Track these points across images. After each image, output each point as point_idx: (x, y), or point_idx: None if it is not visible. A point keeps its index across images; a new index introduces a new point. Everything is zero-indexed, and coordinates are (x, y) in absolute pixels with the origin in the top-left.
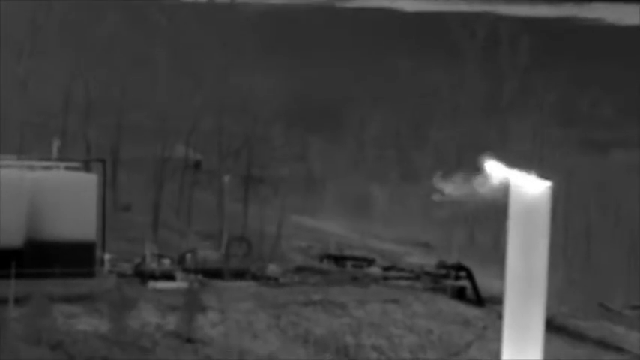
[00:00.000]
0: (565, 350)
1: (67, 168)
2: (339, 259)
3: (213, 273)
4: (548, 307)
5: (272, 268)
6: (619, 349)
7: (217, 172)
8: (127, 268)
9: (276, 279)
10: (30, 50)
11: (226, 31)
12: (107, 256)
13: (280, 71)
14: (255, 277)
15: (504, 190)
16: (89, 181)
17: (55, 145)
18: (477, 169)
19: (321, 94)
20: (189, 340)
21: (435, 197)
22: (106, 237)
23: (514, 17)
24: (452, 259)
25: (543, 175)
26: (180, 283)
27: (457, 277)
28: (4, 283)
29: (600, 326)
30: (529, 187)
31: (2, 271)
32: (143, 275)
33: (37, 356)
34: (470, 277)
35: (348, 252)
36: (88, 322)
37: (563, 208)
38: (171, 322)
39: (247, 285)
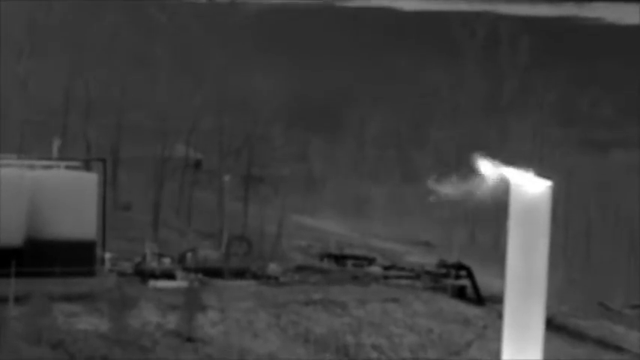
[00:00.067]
0: (565, 350)
1: (67, 167)
2: (339, 259)
3: (214, 272)
4: (549, 307)
5: (272, 268)
6: (619, 349)
7: (218, 172)
8: (127, 267)
9: (276, 278)
10: (30, 50)
11: (226, 31)
12: (107, 255)
13: (280, 70)
14: (255, 277)
15: (501, 188)
16: (89, 181)
17: (56, 144)
18: (473, 169)
19: (321, 93)
20: (189, 340)
21: (432, 199)
22: (106, 236)
23: (514, 16)
24: (452, 259)
25: (543, 175)
26: (180, 283)
27: (457, 277)
28: (4, 282)
29: (600, 326)
30: (529, 187)
31: (2, 270)
32: (143, 274)
33: (38, 355)
34: (470, 276)
35: (348, 251)
36: (88, 322)
37: (564, 208)
38: (172, 321)
39: (247, 284)
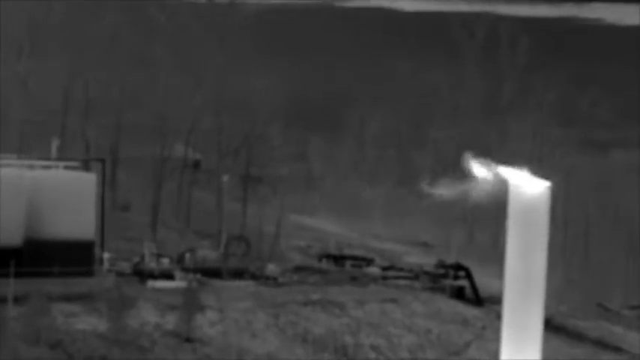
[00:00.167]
0: (564, 350)
1: (66, 167)
2: (337, 259)
3: (212, 272)
4: (547, 307)
5: (271, 268)
6: (618, 349)
7: (216, 172)
8: (125, 267)
9: (275, 278)
10: (29, 49)
11: (226, 31)
12: (106, 256)
13: (279, 71)
14: (254, 277)
15: (496, 188)
16: (88, 181)
17: (55, 144)
18: (466, 170)
19: (320, 93)
20: (188, 340)
21: (426, 201)
22: (105, 236)
23: (514, 17)
24: (451, 259)
25: (543, 175)
26: (179, 283)
27: (456, 277)
28: (3, 282)
29: (599, 326)
30: (528, 187)
31: (1, 270)
32: (142, 274)
33: (36, 355)
34: (469, 276)
35: (347, 252)
36: (87, 322)
37: (563, 208)
38: (170, 321)
39: (246, 284)
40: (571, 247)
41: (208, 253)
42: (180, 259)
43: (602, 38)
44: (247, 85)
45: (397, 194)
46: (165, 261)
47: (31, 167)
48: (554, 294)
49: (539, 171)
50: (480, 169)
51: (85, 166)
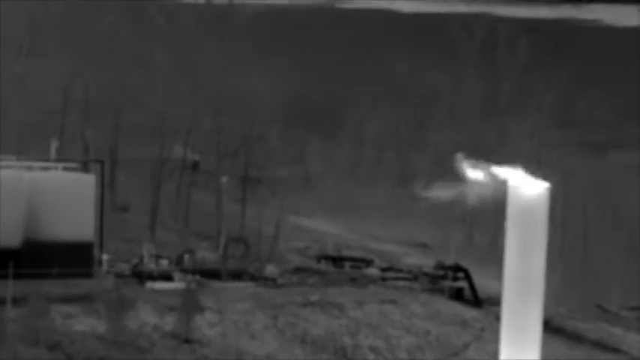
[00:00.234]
0: (563, 351)
1: (65, 168)
2: (336, 260)
3: (211, 274)
4: (546, 309)
5: (270, 269)
6: (617, 351)
7: (215, 173)
8: (124, 268)
9: (273, 280)
10: (28, 50)
11: (224, 32)
12: (105, 257)
13: (278, 72)
14: (252, 278)
15: (490, 189)
16: (87, 182)
17: (53, 145)
18: (460, 173)
19: (319, 94)
20: (186, 341)
21: (425, 202)
22: (103, 237)
23: (512, 18)
24: (450, 260)
25: (541, 176)
26: (178, 284)
27: (455, 278)
28: (2, 283)
29: (598, 328)
30: (527, 189)
31: (0, 272)
32: (141, 276)
33: (35, 356)
34: (468, 278)
35: (345, 253)
36: (85, 323)
37: (562, 209)
38: (169, 322)
39: (245, 286)
40: (570, 248)
41: (207, 255)
42: (179, 261)
43: (601, 39)
44: (246, 86)
45: (396, 195)
46: (164, 262)
47: (30, 168)
48: (553, 295)
49: (537, 172)
50: (472, 171)
51: (84, 168)
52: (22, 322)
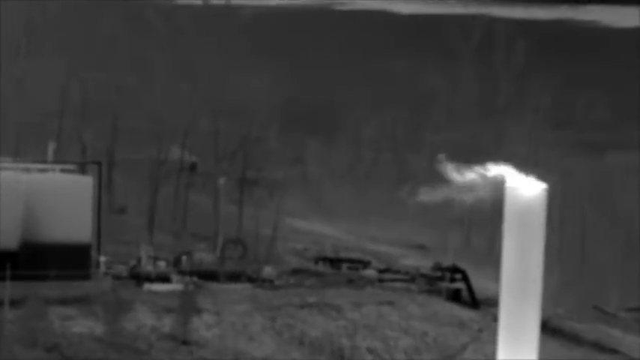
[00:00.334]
0: (560, 353)
1: (62, 170)
2: (334, 262)
3: (209, 275)
4: (544, 310)
5: (267, 271)
6: (615, 352)
7: (213, 175)
8: (122, 270)
9: (271, 281)
10: (26, 51)
11: (222, 33)
12: (103, 259)
13: (276, 73)
14: (250, 280)
15: (481, 190)
16: (85, 184)
17: (51, 147)
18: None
19: (317, 96)
20: (184, 343)
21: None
22: (101, 239)
23: (509, 19)
24: (447, 262)
25: (539, 177)
26: (175, 286)
27: (452, 280)
28: (0, 285)
29: (596, 329)
30: (524, 190)
31: None
32: (139, 277)
33: (33, 358)
34: (465, 279)
35: (343, 254)
36: (83, 325)
37: (559, 210)
38: (167, 324)
39: (243, 287)
40: (568, 249)
41: (205, 256)
42: (176, 262)
43: (598, 40)
44: (244, 87)
45: (393, 197)
46: (162, 264)
47: (28, 170)
48: (551, 296)
49: (535, 173)
50: (456, 173)
51: (82, 169)
52: (19, 324)
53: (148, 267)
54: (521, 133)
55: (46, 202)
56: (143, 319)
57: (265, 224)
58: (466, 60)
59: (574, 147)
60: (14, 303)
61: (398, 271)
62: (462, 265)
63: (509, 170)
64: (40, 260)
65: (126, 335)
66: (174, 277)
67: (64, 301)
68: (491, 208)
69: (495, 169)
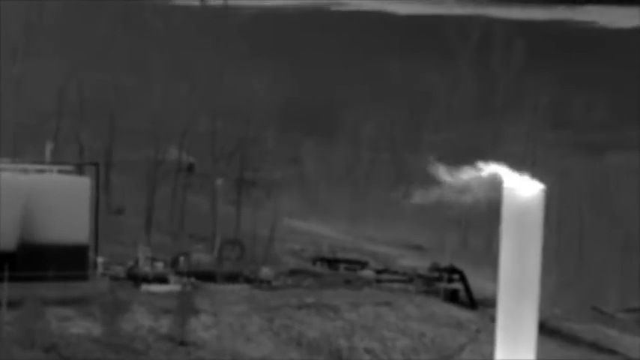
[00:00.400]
0: (558, 353)
1: (60, 171)
2: (332, 262)
3: (206, 276)
4: (541, 310)
5: (265, 271)
6: (612, 353)
7: (210, 175)
8: (120, 271)
9: (269, 282)
10: (23, 52)
11: (220, 34)
12: (100, 260)
13: (274, 74)
14: (248, 280)
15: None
16: (82, 184)
17: (49, 148)
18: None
19: (314, 97)
20: (182, 343)
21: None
22: (99, 240)
23: (507, 20)
24: (445, 262)
25: (537, 177)
26: (173, 286)
27: (450, 280)
28: None
29: (594, 329)
30: (522, 190)
31: None
32: (136, 278)
33: (31, 359)
34: (463, 279)
35: (341, 255)
36: (81, 325)
37: (557, 211)
38: (165, 325)
39: (240, 288)
40: (565, 249)
41: (202, 257)
42: (174, 263)
43: (596, 41)
44: (242, 88)
45: (391, 197)
46: (160, 265)
47: (25, 171)
48: (549, 297)
49: (533, 174)
50: (447, 174)
51: (79, 170)
52: (17, 325)
53: (145, 268)
54: (519, 133)
55: (43, 203)
56: (141, 319)
57: (263, 225)
58: (464, 60)
59: (572, 147)
60: (12, 304)
61: (395, 272)
62: (459, 265)
63: (504, 170)
64: (38, 261)
65: (123, 336)
66: (172, 277)
67: (61, 302)
68: (488, 209)
69: (489, 169)
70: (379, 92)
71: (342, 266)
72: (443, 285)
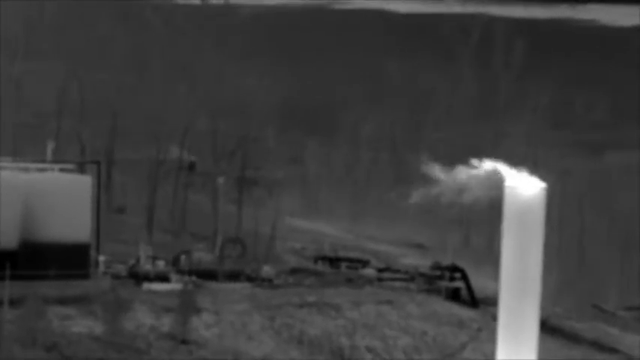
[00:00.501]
0: (559, 352)
1: (61, 170)
2: (333, 261)
3: (208, 274)
4: (543, 309)
5: (266, 270)
6: (614, 351)
7: (212, 174)
8: (121, 269)
9: (270, 280)
10: (24, 51)
11: (221, 33)
12: (102, 258)
13: (275, 73)
14: (249, 279)
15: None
16: (84, 183)
17: (50, 146)
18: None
19: (315, 96)
20: (183, 342)
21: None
22: (100, 239)
23: (508, 19)
24: (446, 261)
25: (538, 176)
26: (174, 285)
27: (451, 279)
28: None
29: (595, 327)
30: (523, 189)
31: None
32: (138, 277)
33: (32, 358)
34: (464, 278)
35: (342, 253)
36: (82, 324)
37: (558, 210)
38: (166, 323)
39: (242, 286)
40: (567, 248)
41: (204, 255)
42: (175, 262)
43: (597, 40)
44: (243, 87)
45: (392, 196)
46: (161, 263)
47: (27, 170)
48: (550, 295)
49: (534, 173)
50: (444, 174)
51: (81, 169)
52: (18, 324)
53: (147, 266)
54: (520, 133)
55: (45, 202)
56: (142, 318)
57: (264, 223)
58: (465, 59)
59: (573, 146)
60: (13, 302)
61: (397, 271)
62: (461, 264)
63: (505, 168)
64: (39, 260)
65: (125, 335)
66: (173, 276)
67: (63, 301)
68: (490, 208)
69: (490, 168)
70: (380, 91)
71: (343, 265)
72: (444, 283)
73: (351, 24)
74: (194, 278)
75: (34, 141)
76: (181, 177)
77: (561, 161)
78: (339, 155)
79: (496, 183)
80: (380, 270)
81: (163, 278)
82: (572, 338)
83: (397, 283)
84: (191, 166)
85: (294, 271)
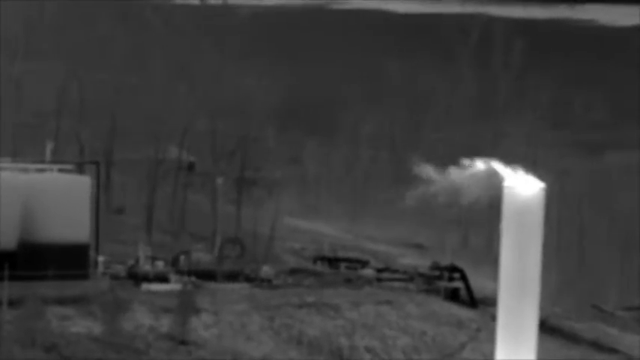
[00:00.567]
0: (559, 352)
1: (60, 170)
2: (332, 261)
3: (207, 275)
4: (542, 309)
5: (265, 270)
6: (613, 351)
7: (211, 174)
8: (120, 270)
9: (269, 281)
10: (24, 51)
11: (220, 33)
12: (101, 259)
13: (274, 73)
14: (248, 279)
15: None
16: (83, 184)
17: (49, 147)
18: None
19: (314, 95)
20: (182, 342)
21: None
22: (99, 239)
23: (507, 19)
24: (445, 261)
25: (537, 176)
26: (173, 285)
27: (451, 279)
28: None
29: (594, 328)
30: (522, 189)
31: None
32: (137, 277)
33: (31, 358)
34: (463, 278)
35: (341, 254)
36: (81, 325)
37: (557, 210)
38: (165, 324)
39: (241, 287)
40: (566, 248)
41: (203, 256)
42: (174, 262)
43: (596, 40)
44: (242, 87)
45: (391, 196)
46: (160, 264)
47: (26, 170)
48: (549, 295)
49: (533, 173)
50: (434, 173)
51: (80, 169)
52: (17, 324)
53: (146, 267)
54: (520, 133)
55: (44, 202)
56: (141, 318)
57: (263, 224)
58: (464, 59)
59: (572, 146)
60: (12, 303)
61: (396, 271)
62: (460, 264)
63: (504, 168)
64: (38, 260)
65: (124, 335)
66: (173, 276)
67: (62, 301)
68: (489, 208)
69: (489, 168)
70: (379, 91)
71: (342, 265)
72: (443, 284)
73: (350, 24)
74: (193, 279)
75: (34, 141)
76: (180, 177)
77: (561, 161)
78: (339, 155)
79: (495, 183)
80: (379, 270)
81: (162, 279)
82: (572, 338)
83: (396, 284)
84: (190, 167)
85: (293, 272)
